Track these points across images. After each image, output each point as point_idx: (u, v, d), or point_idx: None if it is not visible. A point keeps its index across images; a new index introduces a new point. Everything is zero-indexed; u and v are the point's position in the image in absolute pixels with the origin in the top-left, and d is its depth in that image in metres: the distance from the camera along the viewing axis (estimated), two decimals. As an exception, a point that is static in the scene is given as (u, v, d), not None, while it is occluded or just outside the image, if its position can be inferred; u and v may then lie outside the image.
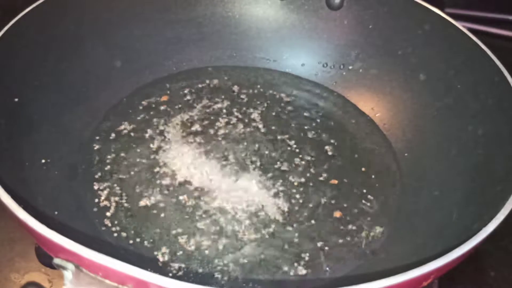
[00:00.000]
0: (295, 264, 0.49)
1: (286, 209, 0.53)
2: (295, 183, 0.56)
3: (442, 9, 0.62)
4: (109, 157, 0.57)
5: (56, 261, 0.36)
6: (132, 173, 0.55)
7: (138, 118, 0.62)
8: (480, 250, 0.38)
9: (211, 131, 0.61)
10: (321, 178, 0.57)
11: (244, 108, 0.65)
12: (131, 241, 0.49)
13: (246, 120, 0.63)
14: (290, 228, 0.52)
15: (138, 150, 0.58)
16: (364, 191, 0.56)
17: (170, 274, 0.47)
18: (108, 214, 0.51)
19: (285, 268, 0.48)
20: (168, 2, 0.67)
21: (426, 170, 0.56)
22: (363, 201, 0.55)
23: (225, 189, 0.54)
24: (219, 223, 0.51)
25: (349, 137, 0.63)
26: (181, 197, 0.53)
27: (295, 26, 0.71)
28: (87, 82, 0.60)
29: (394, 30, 0.65)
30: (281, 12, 0.71)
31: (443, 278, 0.40)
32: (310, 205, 0.54)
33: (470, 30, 0.58)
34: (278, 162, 0.58)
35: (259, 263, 0.49)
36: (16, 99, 0.51)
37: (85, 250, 0.33)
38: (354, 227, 0.53)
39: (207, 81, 0.68)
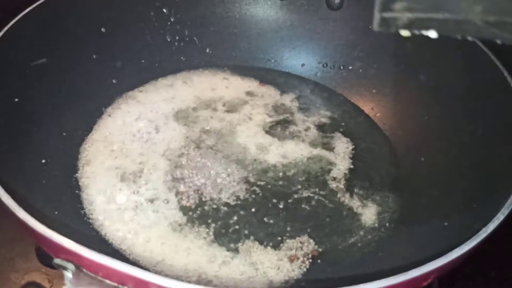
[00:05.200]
0: (295, 264, 0.49)
1: (285, 210, 0.54)
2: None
3: (442, 9, 0.62)
4: (110, 156, 0.57)
5: (57, 261, 0.36)
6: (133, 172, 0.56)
7: (138, 118, 0.62)
8: (480, 250, 0.38)
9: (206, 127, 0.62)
10: (321, 178, 0.57)
11: (243, 108, 0.65)
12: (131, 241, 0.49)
13: (245, 120, 0.63)
14: (289, 228, 0.52)
15: (140, 147, 0.58)
16: (364, 190, 0.56)
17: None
18: (109, 214, 0.51)
19: (285, 268, 0.49)
20: (168, 2, 0.67)
21: (426, 170, 0.57)
22: (364, 201, 0.55)
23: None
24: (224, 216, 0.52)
25: (349, 137, 0.63)
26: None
27: (295, 26, 0.71)
28: (87, 82, 0.60)
29: (394, 30, 0.65)
30: (281, 12, 0.71)
31: (443, 278, 0.40)
32: (310, 205, 0.54)
33: (470, 30, 0.58)
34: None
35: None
36: (16, 99, 0.51)
37: (85, 250, 0.33)
38: (354, 227, 0.53)
39: (208, 81, 0.69)
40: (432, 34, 0.33)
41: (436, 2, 0.33)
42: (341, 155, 0.60)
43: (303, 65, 0.71)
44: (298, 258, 0.49)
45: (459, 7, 0.32)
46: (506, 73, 0.52)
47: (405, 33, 0.38)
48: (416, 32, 0.35)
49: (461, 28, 0.34)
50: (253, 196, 0.54)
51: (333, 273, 0.48)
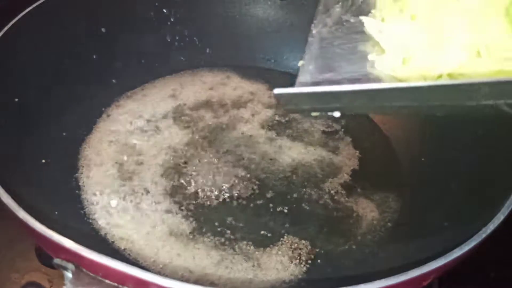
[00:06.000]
0: (296, 264, 0.49)
1: (286, 210, 0.54)
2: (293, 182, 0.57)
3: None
4: (110, 156, 0.57)
5: (56, 261, 0.36)
6: (133, 172, 0.56)
7: (138, 118, 0.62)
8: (480, 250, 0.38)
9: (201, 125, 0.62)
10: (322, 178, 0.57)
11: (244, 108, 0.65)
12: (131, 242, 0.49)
13: (245, 120, 0.64)
14: (289, 228, 0.52)
15: (140, 147, 0.58)
16: (364, 191, 0.56)
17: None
18: (109, 214, 0.51)
19: (285, 269, 0.49)
20: (168, 2, 0.67)
21: (426, 170, 0.56)
22: (364, 201, 0.55)
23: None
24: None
25: (350, 137, 0.63)
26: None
27: (295, 26, 0.71)
28: (87, 82, 0.60)
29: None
30: (281, 12, 0.71)
31: (443, 278, 0.40)
32: (310, 205, 0.54)
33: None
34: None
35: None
36: (16, 99, 0.51)
37: (85, 250, 0.33)
38: (354, 227, 0.53)
39: (207, 81, 0.69)
40: (336, 114, 0.38)
41: (320, 101, 0.39)
42: (341, 156, 0.60)
43: (303, 65, 0.71)
44: (298, 258, 0.49)
45: (343, 102, 0.37)
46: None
47: (314, 114, 0.44)
48: (323, 113, 0.41)
49: (356, 108, 0.41)
50: (254, 196, 0.54)
51: (333, 273, 0.48)
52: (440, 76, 0.38)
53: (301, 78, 0.41)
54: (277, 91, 0.36)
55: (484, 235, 0.38)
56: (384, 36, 0.40)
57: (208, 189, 0.54)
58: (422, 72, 0.39)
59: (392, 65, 0.39)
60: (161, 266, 0.48)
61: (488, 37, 0.37)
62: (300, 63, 0.42)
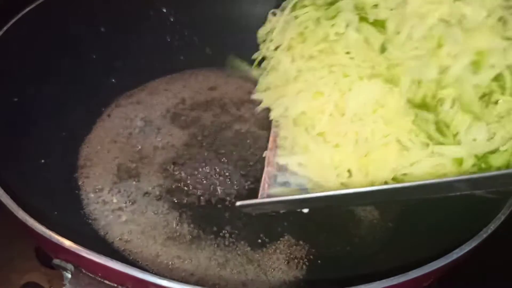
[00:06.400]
0: (296, 265, 0.49)
1: (286, 211, 0.53)
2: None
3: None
4: (110, 157, 0.57)
5: (56, 261, 0.36)
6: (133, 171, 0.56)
7: (138, 118, 0.62)
8: (480, 250, 0.38)
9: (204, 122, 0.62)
10: (321, 178, 0.57)
11: (243, 107, 0.65)
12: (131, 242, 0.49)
13: (245, 120, 0.64)
14: (289, 229, 0.52)
15: (139, 147, 0.58)
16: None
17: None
18: (108, 214, 0.51)
19: (285, 269, 0.49)
20: (168, 2, 0.67)
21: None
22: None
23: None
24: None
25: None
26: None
27: (295, 26, 0.71)
28: (87, 82, 0.60)
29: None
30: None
31: (443, 278, 0.40)
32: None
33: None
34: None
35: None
36: (16, 99, 0.51)
37: (84, 250, 0.33)
38: (354, 227, 0.53)
39: (207, 81, 0.69)
40: (305, 210, 0.41)
41: (285, 205, 0.42)
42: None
43: (303, 65, 0.71)
44: (298, 259, 0.49)
45: (309, 204, 0.40)
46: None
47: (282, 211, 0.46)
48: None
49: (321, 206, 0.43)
50: (254, 196, 0.54)
51: (333, 273, 0.48)
52: (386, 182, 0.38)
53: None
54: (239, 203, 0.36)
55: (484, 235, 0.38)
56: (308, 169, 0.39)
57: (208, 189, 0.54)
58: (368, 181, 0.38)
59: (336, 188, 0.38)
60: (161, 266, 0.48)
61: (403, 133, 0.36)
62: (265, 153, 0.42)
